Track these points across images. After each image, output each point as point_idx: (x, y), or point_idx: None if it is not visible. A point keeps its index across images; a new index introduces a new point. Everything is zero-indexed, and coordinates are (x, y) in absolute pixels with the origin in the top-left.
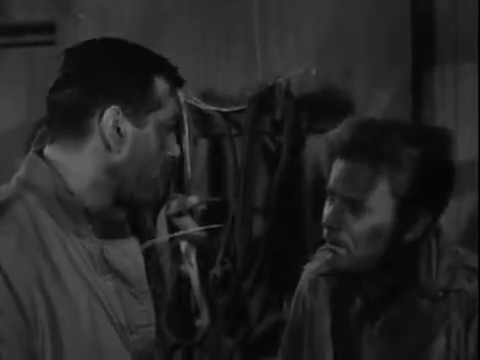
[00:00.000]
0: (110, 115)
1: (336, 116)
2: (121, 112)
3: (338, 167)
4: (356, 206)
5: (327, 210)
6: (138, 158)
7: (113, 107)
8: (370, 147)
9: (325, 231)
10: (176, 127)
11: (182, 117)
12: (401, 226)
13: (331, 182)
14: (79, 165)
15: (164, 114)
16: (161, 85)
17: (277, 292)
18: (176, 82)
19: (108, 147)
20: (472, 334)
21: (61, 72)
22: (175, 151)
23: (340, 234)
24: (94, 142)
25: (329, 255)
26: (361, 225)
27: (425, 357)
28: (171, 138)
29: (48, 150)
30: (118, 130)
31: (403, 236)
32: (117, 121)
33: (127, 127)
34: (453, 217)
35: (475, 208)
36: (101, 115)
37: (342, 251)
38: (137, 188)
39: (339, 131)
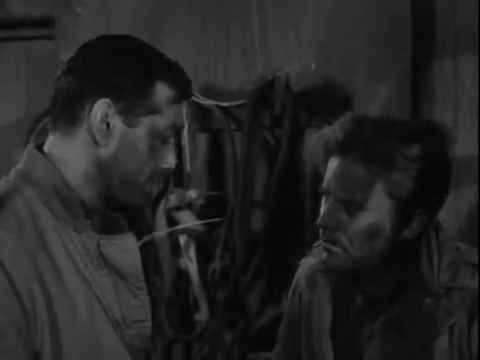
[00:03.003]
0: (100, 108)
1: (335, 110)
2: (113, 106)
3: (332, 166)
4: (351, 206)
5: (322, 209)
6: (124, 157)
7: (104, 100)
8: (364, 146)
9: (320, 230)
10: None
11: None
12: (397, 225)
13: (325, 181)
14: (72, 156)
15: (160, 121)
16: (163, 91)
17: (276, 286)
18: (183, 94)
19: (94, 140)
20: (474, 332)
21: (70, 62)
22: (169, 163)
23: (335, 233)
24: (84, 133)
25: (324, 254)
26: (356, 225)
27: (428, 355)
28: (167, 149)
29: (48, 143)
30: (107, 124)
31: (399, 235)
32: (107, 115)
33: (117, 123)
34: (452, 212)
35: (474, 203)
36: (91, 106)
37: (337, 250)
38: (121, 189)
39: (333, 129)
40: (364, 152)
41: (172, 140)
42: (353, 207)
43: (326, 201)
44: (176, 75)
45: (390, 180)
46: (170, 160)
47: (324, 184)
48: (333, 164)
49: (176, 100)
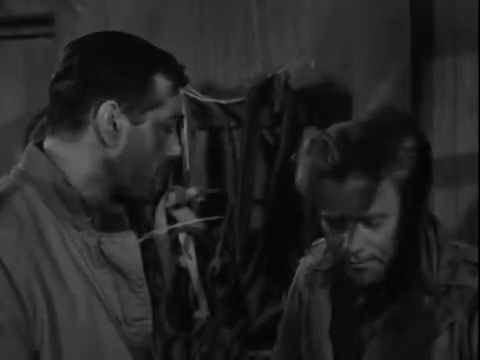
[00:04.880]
0: (106, 110)
1: (335, 108)
2: (118, 107)
3: (333, 191)
4: (372, 220)
5: (335, 236)
6: (133, 155)
7: (109, 102)
8: (366, 157)
9: (347, 255)
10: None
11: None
12: (404, 216)
13: (333, 209)
14: (77, 158)
15: (164, 113)
16: (162, 83)
17: (276, 284)
18: (180, 81)
19: (102, 142)
20: (474, 330)
21: (64, 64)
22: (175, 151)
23: (366, 251)
24: (90, 136)
25: (354, 274)
26: (383, 234)
27: (428, 353)
28: (172, 137)
29: (48, 142)
30: (114, 125)
31: (407, 224)
32: (113, 116)
33: (123, 123)
34: (452, 210)
35: (474, 200)
36: (97, 109)
37: (370, 264)
38: (132, 185)
39: (318, 153)
40: (366, 164)
41: (174, 128)
42: (372, 220)
43: (335, 225)
44: (171, 65)
45: (397, 177)
46: (175, 147)
47: (330, 213)
48: (333, 189)
49: (175, 89)
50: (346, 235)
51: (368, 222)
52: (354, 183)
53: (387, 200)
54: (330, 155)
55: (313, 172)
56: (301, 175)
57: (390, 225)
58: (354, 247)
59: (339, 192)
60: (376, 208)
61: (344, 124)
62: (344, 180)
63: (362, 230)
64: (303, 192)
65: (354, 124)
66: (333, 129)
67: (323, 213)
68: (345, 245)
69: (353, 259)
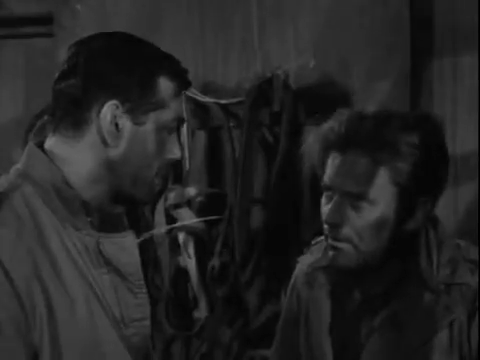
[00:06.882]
0: (109, 109)
1: (334, 108)
2: (121, 107)
3: (334, 162)
4: (357, 199)
5: (326, 207)
6: (134, 155)
7: (112, 102)
8: (368, 138)
9: (326, 228)
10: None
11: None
12: (403, 215)
13: (328, 178)
14: (77, 158)
15: (166, 115)
16: (166, 85)
17: (275, 283)
18: (182, 84)
19: (104, 141)
20: (474, 328)
21: (67, 63)
22: (176, 153)
23: (343, 229)
24: (91, 135)
25: (330, 253)
26: (364, 218)
27: (428, 351)
28: (172, 140)
29: (48, 141)
30: (116, 125)
31: (405, 225)
32: (115, 116)
33: (126, 123)
34: (451, 208)
35: (474, 199)
36: (100, 109)
37: (345, 246)
38: (133, 186)
39: (332, 124)
40: (367, 145)
41: (175, 131)
42: (359, 200)
43: (329, 197)
44: (175, 67)
45: (394, 168)
46: (176, 150)
47: (326, 180)
48: (335, 160)
49: (178, 92)
50: (327, 205)
51: (353, 200)
52: (355, 159)
53: (379, 186)
54: (339, 126)
55: (323, 145)
56: (312, 139)
57: (374, 213)
58: (329, 219)
59: (341, 164)
60: (366, 190)
61: (372, 109)
62: (347, 154)
63: (344, 206)
64: (309, 158)
65: (377, 110)
66: (361, 107)
67: (322, 182)
68: (324, 217)
69: (328, 231)
